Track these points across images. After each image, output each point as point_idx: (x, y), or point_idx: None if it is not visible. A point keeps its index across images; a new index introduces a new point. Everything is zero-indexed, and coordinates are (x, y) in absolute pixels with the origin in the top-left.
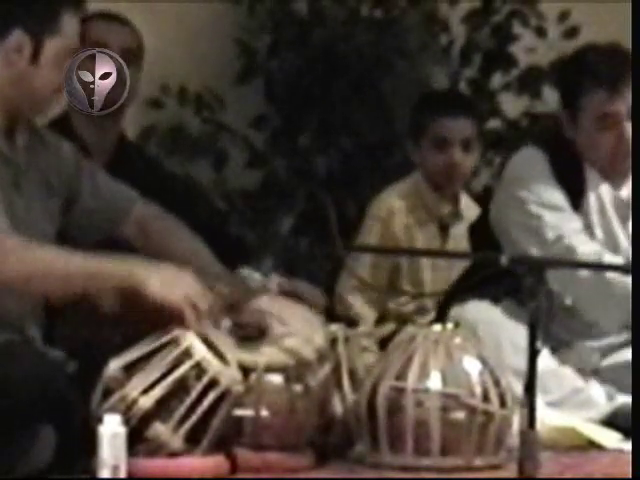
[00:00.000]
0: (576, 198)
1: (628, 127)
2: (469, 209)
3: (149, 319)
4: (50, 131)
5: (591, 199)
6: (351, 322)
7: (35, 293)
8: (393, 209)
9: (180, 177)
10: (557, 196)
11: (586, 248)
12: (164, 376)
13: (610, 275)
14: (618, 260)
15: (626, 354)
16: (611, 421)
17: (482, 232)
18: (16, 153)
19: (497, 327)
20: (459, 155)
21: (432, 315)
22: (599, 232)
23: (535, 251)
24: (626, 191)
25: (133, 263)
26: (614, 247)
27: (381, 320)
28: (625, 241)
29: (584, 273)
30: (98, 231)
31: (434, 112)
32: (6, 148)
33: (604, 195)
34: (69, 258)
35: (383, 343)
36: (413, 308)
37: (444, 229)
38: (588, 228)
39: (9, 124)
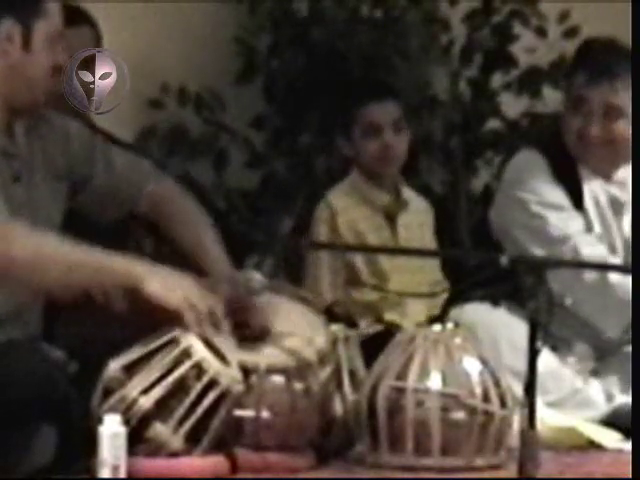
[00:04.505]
0: (575, 197)
1: (617, 124)
2: (414, 201)
3: (149, 320)
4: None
5: (587, 196)
6: (351, 322)
7: (36, 283)
8: (335, 210)
9: None
10: (559, 196)
11: (591, 251)
12: (164, 376)
13: (612, 278)
14: (618, 261)
15: (626, 354)
16: (611, 421)
17: (482, 234)
18: (16, 146)
19: (495, 329)
20: (392, 138)
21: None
22: (597, 228)
23: (539, 252)
24: (615, 186)
25: (135, 262)
26: (610, 242)
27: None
28: (619, 236)
29: (587, 275)
30: (114, 209)
31: (361, 100)
32: (6, 143)
33: (598, 191)
34: (72, 250)
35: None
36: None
37: (391, 219)
38: (588, 226)
39: (8, 118)
